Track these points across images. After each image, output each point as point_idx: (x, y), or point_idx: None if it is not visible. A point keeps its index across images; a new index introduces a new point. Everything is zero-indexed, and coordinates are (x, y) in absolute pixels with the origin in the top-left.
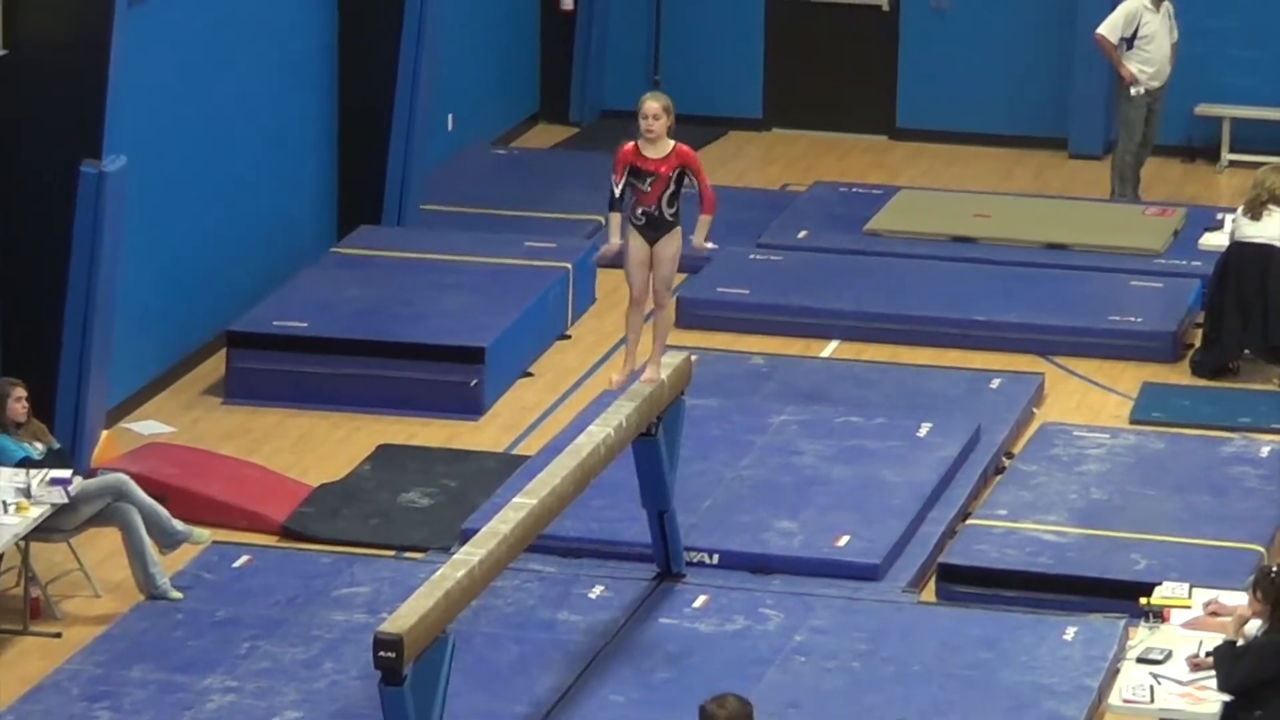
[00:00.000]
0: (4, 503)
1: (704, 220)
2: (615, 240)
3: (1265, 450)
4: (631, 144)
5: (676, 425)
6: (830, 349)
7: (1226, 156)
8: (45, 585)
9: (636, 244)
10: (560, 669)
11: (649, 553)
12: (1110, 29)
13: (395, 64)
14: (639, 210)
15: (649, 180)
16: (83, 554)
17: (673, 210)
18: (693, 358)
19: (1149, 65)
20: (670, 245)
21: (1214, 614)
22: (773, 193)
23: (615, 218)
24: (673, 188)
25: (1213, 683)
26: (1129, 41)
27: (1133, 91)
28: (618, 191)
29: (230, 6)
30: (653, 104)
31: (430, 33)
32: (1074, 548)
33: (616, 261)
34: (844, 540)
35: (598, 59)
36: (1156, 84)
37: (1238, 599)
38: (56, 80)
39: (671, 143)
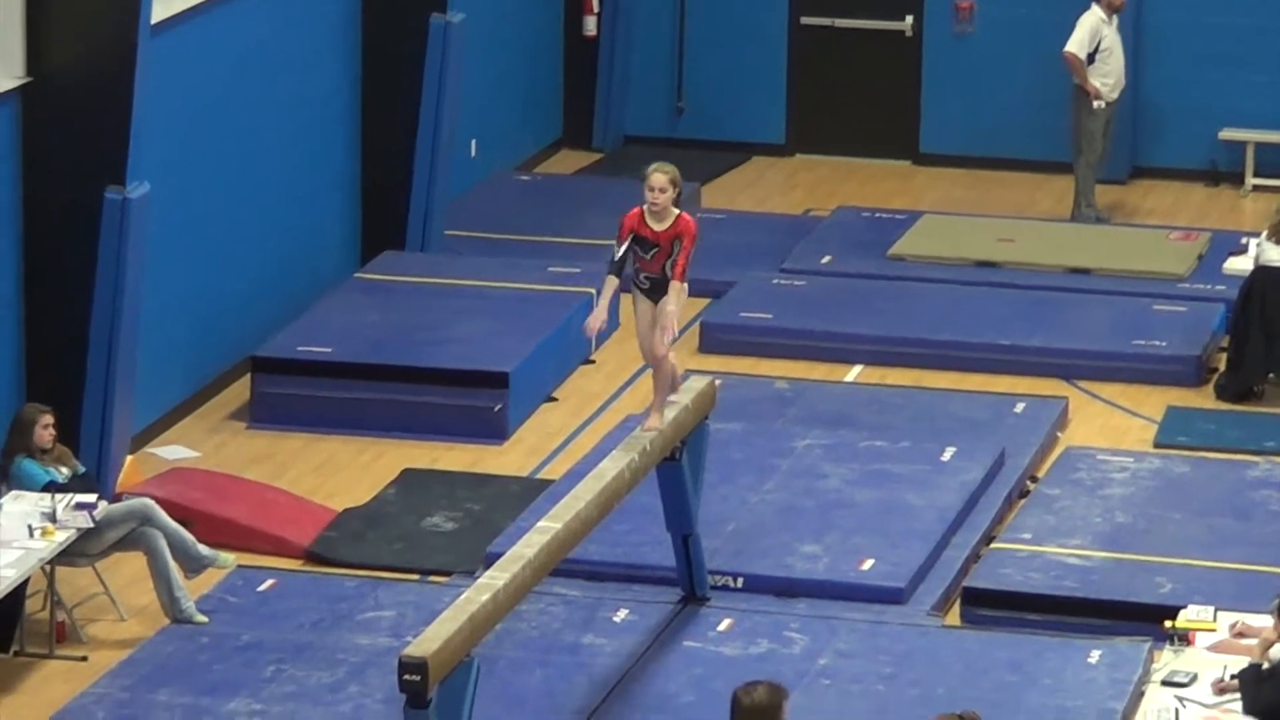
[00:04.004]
0: (30, 527)
1: (674, 286)
2: (603, 311)
3: None
4: (637, 210)
5: (700, 449)
6: (854, 373)
7: (1250, 181)
8: (71, 609)
9: (643, 306)
10: (585, 692)
11: (673, 576)
12: (1078, 46)
13: (419, 91)
14: (642, 275)
15: (652, 251)
16: (108, 578)
17: (673, 269)
18: (716, 382)
19: (1109, 78)
20: (674, 298)
21: (1239, 637)
22: (796, 218)
23: (610, 283)
24: (674, 255)
25: (1238, 706)
26: (1090, 57)
27: (1095, 105)
28: (618, 255)
29: (255, 34)
30: (660, 177)
31: (454, 59)
32: (1098, 571)
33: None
34: (868, 564)
35: (621, 85)
36: (1115, 96)
37: (1263, 622)
38: (80, 107)
39: (675, 213)
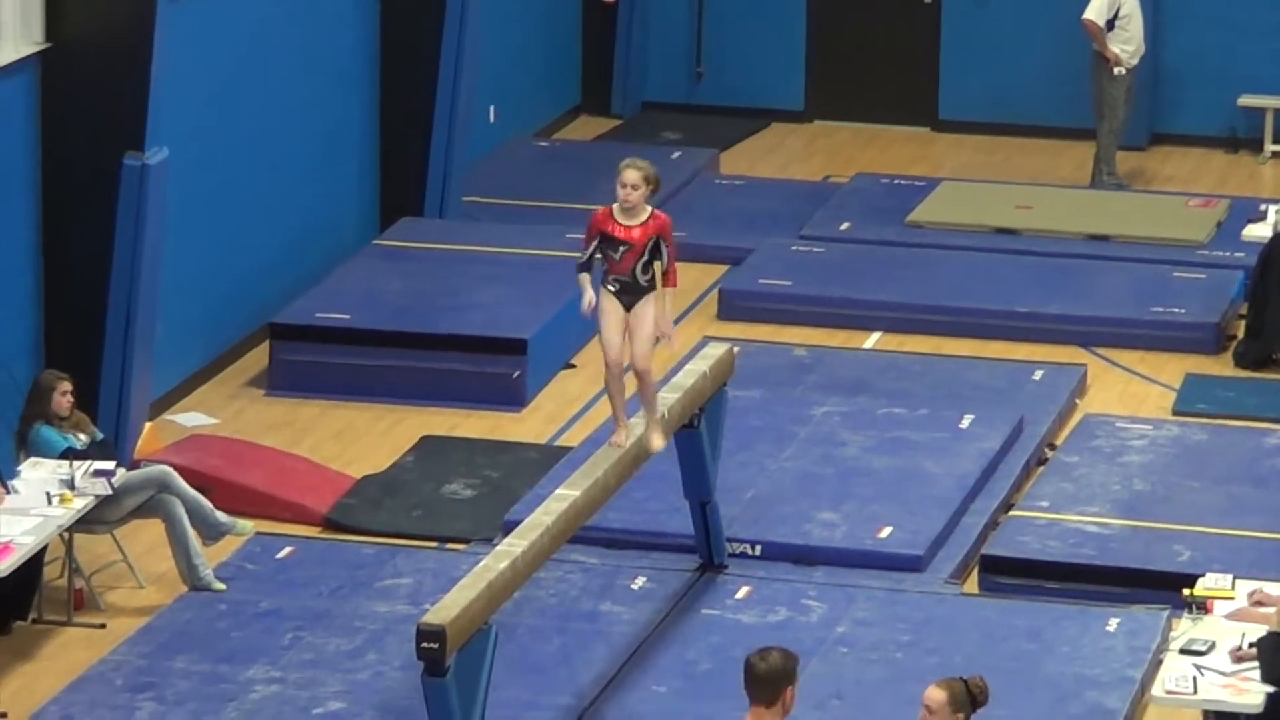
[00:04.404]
0: (48, 494)
1: (666, 294)
2: (590, 294)
3: None
4: (605, 210)
5: (719, 417)
6: (872, 340)
7: (1269, 148)
8: (89, 576)
9: (611, 306)
10: (603, 660)
11: (691, 544)
12: (1096, 13)
13: (437, 57)
14: (611, 277)
15: (621, 250)
16: (126, 545)
17: (648, 276)
18: (735, 349)
19: (1129, 45)
20: (647, 309)
21: (1257, 605)
22: (815, 184)
23: (584, 277)
24: (646, 257)
25: (1256, 674)
26: (1110, 23)
27: (1116, 72)
28: (584, 257)
29: (273, 1)
30: (633, 173)
31: (472, 25)
32: (1117, 539)
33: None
34: (886, 531)
35: (640, 51)
36: (1135, 62)
37: None
38: (99, 73)
39: (649, 210)
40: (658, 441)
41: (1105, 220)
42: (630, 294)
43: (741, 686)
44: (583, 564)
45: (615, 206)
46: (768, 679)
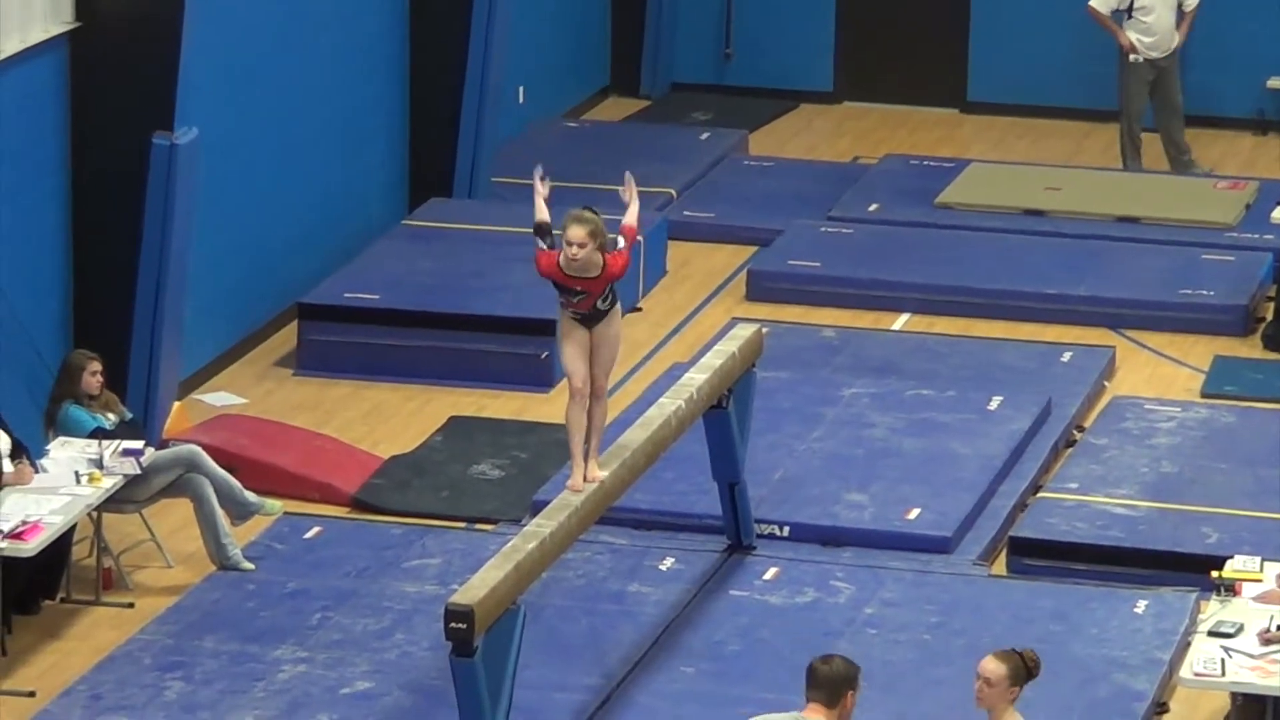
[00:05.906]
0: (77, 474)
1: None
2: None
3: None
4: (551, 260)
5: (747, 397)
6: (901, 322)
7: None
8: (118, 556)
9: (573, 329)
10: (631, 641)
11: (720, 525)
12: (1101, 2)
13: (467, 37)
14: (571, 311)
15: (578, 297)
16: (155, 525)
17: (607, 300)
18: (764, 330)
19: (1148, 35)
20: (611, 326)
21: None
22: (844, 166)
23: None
24: (605, 292)
25: None
26: (1127, 12)
27: (1131, 59)
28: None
29: None
30: (578, 230)
31: (503, 6)
32: (1145, 521)
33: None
34: (915, 513)
35: (669, 32)
36: (1157, 54)
37: None
38: (129, 53)
39: (599, 261)
40: (593, 472)
41: (1134, 202)
42: (593, 320)
43: (769, 667)
44: (611, 545)
45: (562, 259)
46: (828, 681)
